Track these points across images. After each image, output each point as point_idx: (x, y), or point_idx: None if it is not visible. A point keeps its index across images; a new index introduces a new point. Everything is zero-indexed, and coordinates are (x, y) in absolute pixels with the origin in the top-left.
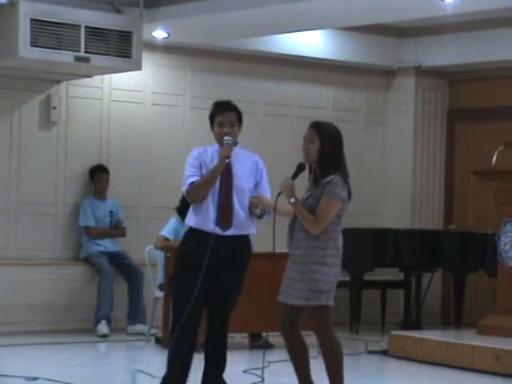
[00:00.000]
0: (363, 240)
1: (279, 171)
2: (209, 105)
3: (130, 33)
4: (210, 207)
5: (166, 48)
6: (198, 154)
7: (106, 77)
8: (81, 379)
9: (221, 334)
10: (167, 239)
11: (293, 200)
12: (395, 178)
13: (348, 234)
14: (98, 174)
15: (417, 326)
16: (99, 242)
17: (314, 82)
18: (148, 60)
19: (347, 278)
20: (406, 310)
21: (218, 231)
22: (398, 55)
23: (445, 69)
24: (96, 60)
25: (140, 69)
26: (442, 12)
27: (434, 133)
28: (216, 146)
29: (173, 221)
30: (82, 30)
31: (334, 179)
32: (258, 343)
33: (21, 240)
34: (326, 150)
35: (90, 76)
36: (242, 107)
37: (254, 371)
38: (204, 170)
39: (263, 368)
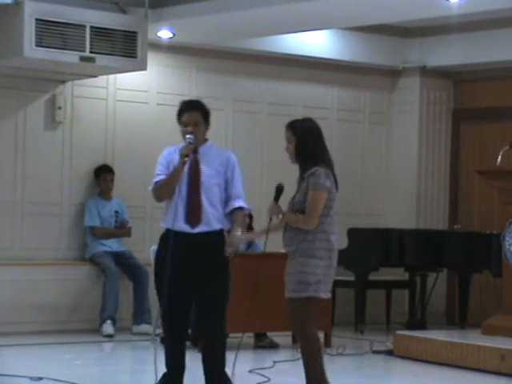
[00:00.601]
0: (368, 240)
1: (284, 170)
2: (214, 105)
3: (135, 33)
4: (179, 205)
5: (171, 48)
6: (168, 153)
7: (111, 77)
8: (86, 379)
9: (212, 332)
10: None
11: (280, 216)
12: (400, 178)
13: (353, 233)
14: (103, 174)
15: (422, 325)
16: (104, 241)
17: (319, 82)
18: (153, 60)
19: (352, 278)
20: (411, 310)
21: (188, 229)
22: (402, 55)
23: (450, 69)
24: (101, 60)
25: (145, 69)
26: (447, 12)
27: (439, 133)
28: (182, 143)
29: None
30: (87, 29)
31: (317, 170)
32: (262, 343)
33: (26, 240)
34: (303, 147)
35: (95, 76)
36: (247, 107)
37: (259, 371)
38: (172, 169)
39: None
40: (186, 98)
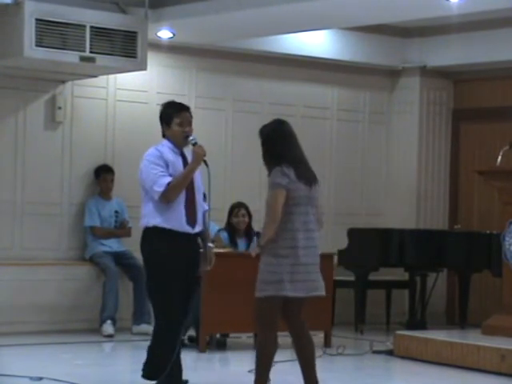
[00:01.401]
0: (368, 240)
1: None
2: (214, 105)
3: (135, 33)
4: (181, 207)
5: (171, 48)
6: (160, 153)
7: (111, 77)
8: (86, 379)
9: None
10: None
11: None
12: (400, 178)
13: (353, 233)
14: (103, 174)
15: (422, 325)
16: (104, 241)
17: (319, 82)
18: (153, 60)
19: (352, 278)
20: (411, 310)
21: (190, 229)
22: (402, 55)
23: (450, 69)
24: (101, 60)
25: (145, 69)
26: (447, 12)
27: (439, 133)
28: (166, 143)
29: None
30: (87, 29)
31: (273, 170)
32: None
33: (26, 240)
34: (265, 151)
35: (95, 76)
36: (247, 107)
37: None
38: (172, 169)
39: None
40: (174, 99)
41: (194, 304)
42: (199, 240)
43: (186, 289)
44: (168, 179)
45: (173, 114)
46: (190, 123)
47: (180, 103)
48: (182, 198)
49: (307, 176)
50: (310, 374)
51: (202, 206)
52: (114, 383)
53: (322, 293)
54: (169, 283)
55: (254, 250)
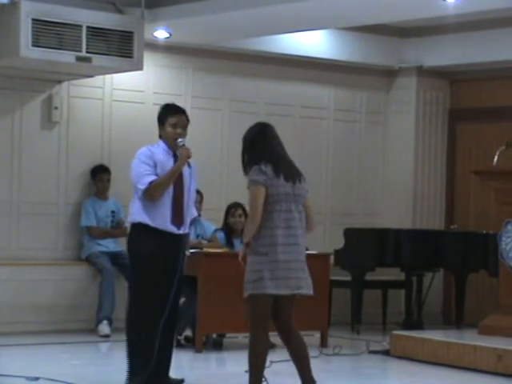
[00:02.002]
0: (364, 240)
1: None
2: (211, 105)
3: (131, 33)
4: (167, 207)
5: (168, 48)
6: (151, 152)
7: (108, 77)
8: (82, 379)
9: (174, 321)
10: None
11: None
12: (396, 178)
13: (349, 233)
14: (99, 174)
15: (418, 325)
16: (101, 241)
17: (316, 82)
18: (149, 60)
19: (348, 278)
20: (408, 310)
21: (174, 230)
22: (399, 55)
23: (446, 69)
24: (97, 60)
25: (141, 69)
26: (444, 12)
27: (436, 133)
28: (161, 144)
29: None
30: (84, 29)
31: (251, 169)
32: None
33: (22, 240)
34: (243, 156)
35: (91, 76)
36: (243, 107)
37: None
38: (160, 169)
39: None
40: (173, 101)
41: (179, 304)
42: (186, 242)
43: (168, 288)
44: (152, 178)
45: (167, 115)
46: (184, 126)
47: (176, 106)
48: (168, 197)
49: (288, 172)
50: (305, 373)
51: (189, 208)
52: (111, 383)
53: (309, 292)
54: (149, 281)
55: (241, 250)
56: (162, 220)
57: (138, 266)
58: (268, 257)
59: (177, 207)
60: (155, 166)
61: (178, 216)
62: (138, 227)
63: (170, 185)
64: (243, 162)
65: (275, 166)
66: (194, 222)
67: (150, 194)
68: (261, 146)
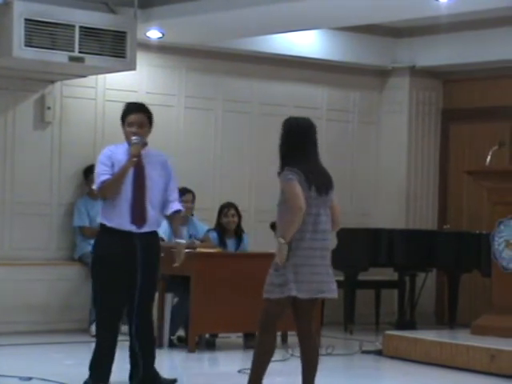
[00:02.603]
0: (357, 240)
1: (273, 171)
2: (204, 105)
3: (124, 33)
4: (125, 206)
5: (161, 48)
6: (111, 152)
7: (101, 77)
8: (75, 379)
9: (147, 327)
10: (162, 239)
11: (282, 240)
12: (389, 178)
13: (342, 233)
14: (91, 175)
15: (411, 325)
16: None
17: (309, 82)
18: (142, 60)
19: (341, 278)
20: (400, 310)
21: (134, 229)
22: (392, 55)
23: (439, 69)
24: (90, 60)
25: (134, 69)
26: (436, 12)
27: (429, 133)
28: (125, 144)
29: (166, 221)
30: (77, 29)
31: (285, 171)
32: (252, 343)
33: (15, 240)
34: (280, 147)
35: (84, 76)
36: (237, 107)
37: (248, 371)
38: (117, 169)
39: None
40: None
41: (151, 306)
42: (156, 239)
43: (129, 288)
44: (105, 177)
45: (125, 114)
46: (141, 125)
47: (135, 104)
48: (127, 196)
49: (321, 183)
50: (309, 378)
51: (153, 207)
52: None
53: (332, 295)
54: (103, 281)
55: (281, 249)
56: (120, 219)
57: (96, 266)
58: (292, 260)
59: (136, 206)
60: (113, 165)
61: (137, 215)
62: (101, 228)
63: (120, 183)
64: (280, 157)
65: (307, 175)
66: (187, 221)
67: (103, 193)
68: (299, 153)
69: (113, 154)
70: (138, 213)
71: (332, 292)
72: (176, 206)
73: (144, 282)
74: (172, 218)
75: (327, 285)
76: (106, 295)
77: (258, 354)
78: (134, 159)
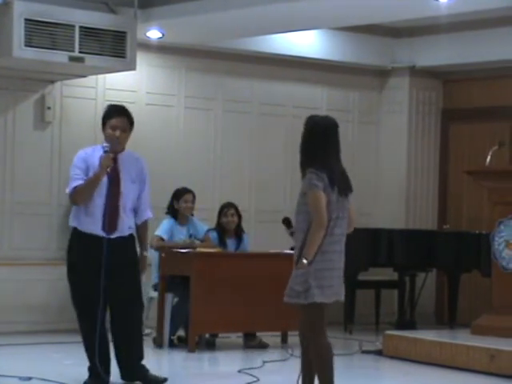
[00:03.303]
0: (357, 240)
1: (274, 171)
2: (204, 105)
3: (124, 33)
4: (98, 211)
5: (161, 48)
6: (86, 155)
7: (101, 77)
8: (75, 379)
9: (130, 330)
10: (162, 239)
11: (305, 261)
12: (389, 178)
13: None
14: None
15: (411, 325)
16: None
17: (309, 82)
18: (142, 60)
19: None
20: (400, 310)
21: (105, 235)
22: (392, 55)
23: (439, 69)
24: (90, 60)
25: (134, 69)
26: (436, 12)
27: (428, 133)
28: (104, 146)
29: (166, 221)
30: (77, 29)
31: (308, 174)
32: (252, 343)
33: (15, 240)
34: (302, 145)
35: (84, 76)
36: (236, 107)
37: (248, 371)
38: (91, 173)
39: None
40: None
41: (134, 312)
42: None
43: (106, 293)
44: (77, 182)
45: (108, 116)
46: (124, 129)
47: (119, 107)
48: (100, 203)
49: (342, 186)
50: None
51: (126, 213)
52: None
53: (341, 298)
54: (78, 284)
55: (300, 265)
56: (92, 224)
57: (68, 268)
58: (313, 265)
59: (109, 213)
60: (87, 169)
61: (109, 222)
62: (73, 232)
63: (93, 191)
64: (300, 151)
65: (330, 174)
66: (187, 221)
67: (74, 199)
68: (315, 148)
69: (88, 156)
70: (110, 220)
71: (343, 295)
72: (147, 214)
73: (114, 285)
74: (140, 228)
75: (341, 288)
76: (78, 298)
77: (321, 361)
78: (107, 169)
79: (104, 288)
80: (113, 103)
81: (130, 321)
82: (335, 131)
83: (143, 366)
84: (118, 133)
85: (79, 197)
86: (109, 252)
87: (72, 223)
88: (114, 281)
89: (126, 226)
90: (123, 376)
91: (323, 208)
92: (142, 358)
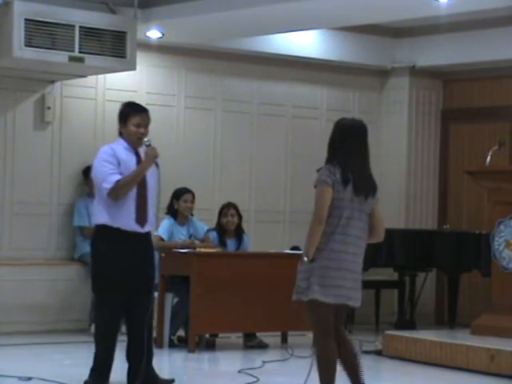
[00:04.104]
0: None
1: (274, 171)
2: (203, 105)
3: (124, 33)
4: (131, 206)
5: (161, 48)
6: (113, 151)
7: (101, 77)
8: (75, 379)
9: (142, 325)
10: (162, 239)
11: (305, 259)
12: (389, 178)
13: None
14: (90, 175)
15: (411, 325)
16: None
17: (308, 82)
18: (142, 60)
19: None
20: (400, 310)
21: (139, 229)
22: (392, 55)
23: (439, 69)
24: (90, 60)
25: (134, 69)
26: (436, 12)
27: (428, 133)
28: (122, 142)
29: (166, 221)
30: (77, 29)
31: (322, 169)
32: (252, 343)
33: (15, 240)
34: (328, 144)
35: (84, 76)
36: (236, 107)
37: (248, 371)
38: (123, 168)
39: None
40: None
41: (151, 304)
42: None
43: (136, 289)
44: (117, 177)
45: (130, 114)
46: (146, 125)
47: (139, 104)
48: (132, 196)
49: (359, 185)
50: (355, 379)
51: (151, 206)
52: None
53: (356, 304)
54: (112, 283)
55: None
56: (126, 219)
57: (103, 268)
58: (318, 262)
59: (141, 206)
60: (119, 164)
61: (141, 215)
62: (102, 229)
63: (136, 184)
64: (327, 155)
65: (344, 173)
66: (187, 221)
67: (116, 194)
68: (335, 145)
69: (115, 152)
70: (142, 212)
71: (357, 301)
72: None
73: (144, 282)
74: None
75: (355, 292)
76: (109, 295)
77: (321, 367)
78: (157, 160)
79: (133, 285)
80: (130, 101)
81: (146, 320)
82: (358, 132)
83: (153, 368)
84: (142, 130)
85: (122, 190)
86: (141, 246)
87: (102, 220)
88: (144, 276)
89: (152, 219)
90: (132, 376)
91: (324, 204)
92: (152, 358)
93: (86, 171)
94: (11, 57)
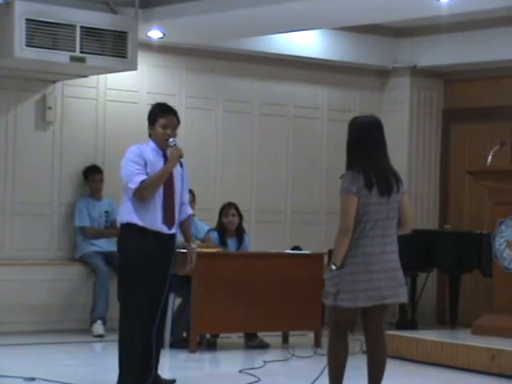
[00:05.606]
0: None
1: (274, 171)
2: (204, 105)
3: (125, 33)
4: (158, 206)
5: (162, 48)
6: (140, 151)
7: (102, 77)
8: (77, 379)
9: (163, 330)
10: None
11: (333, 267)
12: None
13: None
14: (91, 175)
15: (412, 325)
16: (94, 241)
17: (309, 82)
18: (143, 60)
19: None
20: (401, 310)
21: (165, 229)
22: (393, 55)
23: (440, 69)
24: (91, 60)
25: (135, 69)
26: (437, 12)
27: (430, 133)
28: (151, 144)
29: None
30: (78, 29)
31: (344, 176)
32: (253, 343)
33: (16, 240)
34: (347, 145)
35: (85, 76)
36: (237, 107)
37: (249, 371)
38: (150, 169)
39: None
40: (165, 101)
41: (168, 305)
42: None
43: (159, 289)
44: (142, 177)
45: (158, 116)
46: (174, 127)
47: (168, 106)
48: (160, 197)
49: (382, 186)
50: (375, 378)
51: (181, 208)
52: (105, 383)
53: (397, 300)
54: (137, 282)
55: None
56: (153, 220)
57: (128, 267)
58: (347, 268)
59: (168, 207)
60: (145, 165)
61: (169, 216)
62: (128, 227)
63: (161, 185)
64: (346, 155)
65: (368, 178)
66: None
67: (141, 194)
68: (354, 148)
69: (142, 153)
70: (169, 213)
71: (397, 297)
72: (189, 209)
73: (164, 282)
74: (186, 222)
75: (390, 290)
76: (138, 308)
77: (329, 365)
78: (181, 160)
79: (160, 286)
80: (159, 102)
81: (163, 320)
82: (376, 129)
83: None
84: (169, 131)
85: (147, 191)
86: (168, 247)
87: (129, 219)
88: (167, 276)
89: (178, 221)
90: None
91: (350, 213)
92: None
93: (86, 171)
94: (12, 57)
